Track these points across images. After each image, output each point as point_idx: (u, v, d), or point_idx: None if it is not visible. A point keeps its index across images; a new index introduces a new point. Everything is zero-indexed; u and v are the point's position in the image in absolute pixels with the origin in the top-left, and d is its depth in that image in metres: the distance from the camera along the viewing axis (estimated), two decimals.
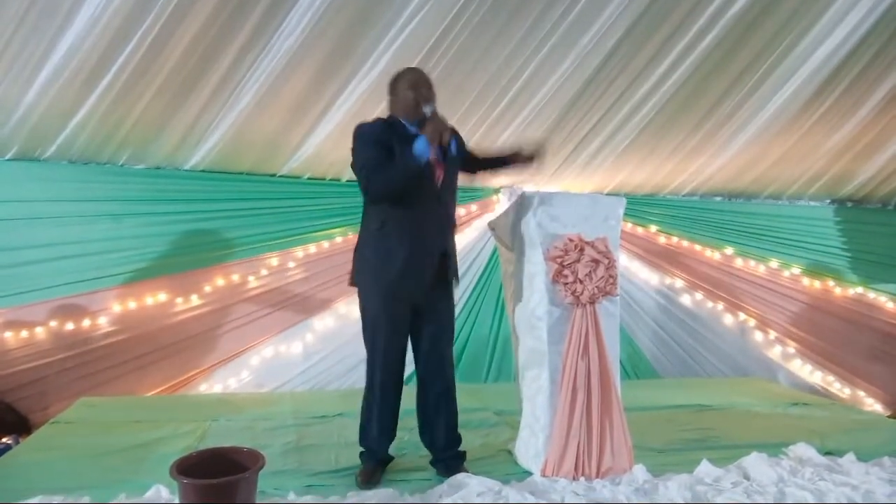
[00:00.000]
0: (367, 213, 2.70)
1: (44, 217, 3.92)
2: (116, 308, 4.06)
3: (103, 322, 4.05)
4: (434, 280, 2.64)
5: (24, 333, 3.91)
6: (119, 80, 3.48)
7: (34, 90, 3.48)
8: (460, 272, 4.68)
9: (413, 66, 2.94)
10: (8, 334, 3.88)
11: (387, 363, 2.67)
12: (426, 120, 2.52)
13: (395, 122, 2.65)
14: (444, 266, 2.67)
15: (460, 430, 2.81)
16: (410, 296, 2.63)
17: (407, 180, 2.49)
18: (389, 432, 2.75)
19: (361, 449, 2.76)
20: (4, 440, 3.68)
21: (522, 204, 2.80)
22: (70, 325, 3.98)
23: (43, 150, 3.89)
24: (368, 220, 2.68)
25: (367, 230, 2.69)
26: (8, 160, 3.88)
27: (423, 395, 2.76)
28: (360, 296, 2.73)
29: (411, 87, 2.62)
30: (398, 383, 2.73)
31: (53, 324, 3.95)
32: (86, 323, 4.01)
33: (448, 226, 2.75)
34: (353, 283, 2.75)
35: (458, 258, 4.63)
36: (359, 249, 2.72)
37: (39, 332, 3.93)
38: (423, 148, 2.45)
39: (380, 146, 2.53)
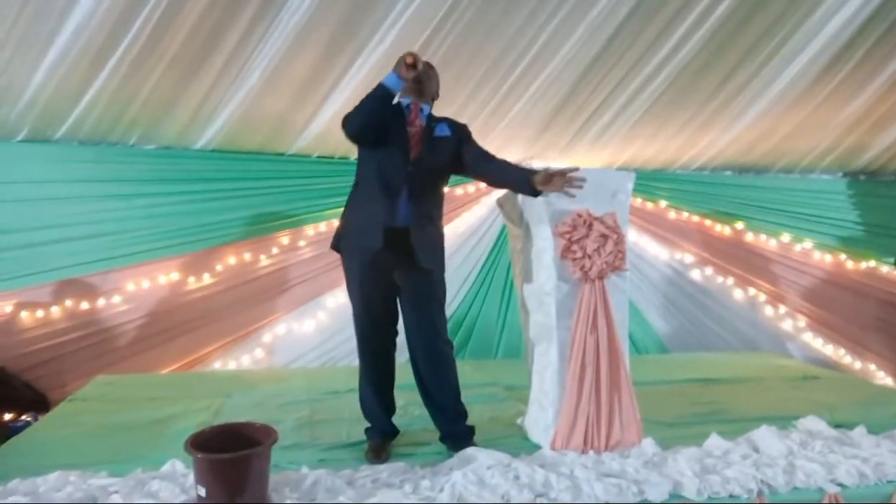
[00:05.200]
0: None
1: (56, 198, 3.96)
2: (130, 287, 4.12)
3: (117, 301, 4.11)
4: (404, 257, 2.57)
5: (40, 313, 3.98)
6: (127, 60, 3.48)
7: (42, 71, 3.49)
8: (469, 249, 4.77)
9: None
10: (24, 314, 3.95)
11: (365, 333, 2.68)
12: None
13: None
14: (407, 242, 2.55)
15: (469, 406, 2.82)
16: (379, 267, 2.58)
17: (370, 106, 2.45)
18: (387, 405, 2.79)
19: (367, 425, 2.80)
20: (24, 417, 3.76)
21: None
22: (85, 305, 4.04)
23: (53, 132, 3.91)
24: (353, 184, 2.71)
25: (350, 194, 2.72)
26: (19, 142, 3.91)
27: (415, 367, 2.74)
28: (342, 265, 2.74)
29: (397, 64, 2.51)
30: (383, 354, 2.72)
31: (69, 303, 4.01)
32: (100, 302, 4.08)
33: (416, 201, 2.58)
34: (333, 245, 2.74)
35: (467, 237, 4.73)
36: (342, 213, 2.74)
37: (55, 311, 4.00)
38: (391, 77, 2.41)
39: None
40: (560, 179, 2.40)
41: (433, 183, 2.70)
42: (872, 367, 5.16)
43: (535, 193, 2.52)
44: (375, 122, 2.51)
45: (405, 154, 2.58)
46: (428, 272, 2.64)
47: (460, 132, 2.74)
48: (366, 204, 2.62)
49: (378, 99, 2.45)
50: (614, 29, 3.77)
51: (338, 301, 4.48)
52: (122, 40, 3.38)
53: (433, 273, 2.68)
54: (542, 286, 2.79)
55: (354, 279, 2.67)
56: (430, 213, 2.67)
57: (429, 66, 2.65)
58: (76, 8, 3.20)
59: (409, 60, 2.38)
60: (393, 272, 2.63)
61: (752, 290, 5.13)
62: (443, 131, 2.68)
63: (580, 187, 2.41)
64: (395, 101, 2.51)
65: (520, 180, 2.57)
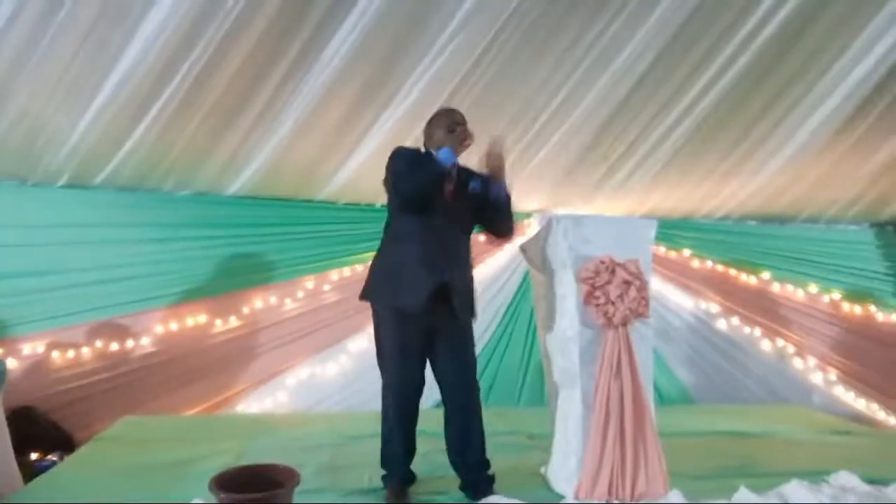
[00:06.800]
0: (385, 230, 2.78)
1: (92, 241, 4.10)
2: (159, 329, 4.20)
3: (146, 343, 4.18)
4: (439, 305, 2.61)
5: (71, 353, 4.06)
6: (167, 110, 3.64)
7: (86, 120, 3.65)
8: (491, 296, 4.78)
9: (449, 106, 2.98)
10: (55, 354, 4.03)
11: (395, 387, 2.69)
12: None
13: (429, 154, 2.72)
14: (446, 293, 2.62)
15: (491, 453, 2.80)
16: (416, 316, 2.62)
17: (431, 181, 2.58)
18: (409, 449, 2.78)
19: (383, 472, 2.78)
20: (49, 457, 3.80)
21: (554, 226, 2.83)
22: (115, 346, 4.12)
23: (93, 178, 4.07)
24: (385, 235, 2.78)
25: (381, 245, 2.78)
26: (60, 187, 4.07)
27: (446, 420, 2.75)
28: (372, 313, 2.79)
29: (447, 130, 2.68)
30: (409, 406, 2.72)
31: (99, 344, 4.09)
32: (129, 343, 4.15)
33: (453, 255, 2.69)
34: (363, 296, 2.78)
35: (489, 283, 4.75)
36: (372, 263, 2.80)
37: (85, 352, 4.08)
38: (446, 153, 2.57)
39: (422, 156, 2.69)
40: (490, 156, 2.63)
41: (465, 231, 2.79)
42: None
43: (485, 194, 2.69)
44: (429, 192, 2.61)
45: (445, 212, 2.66)
46: (463, 320, 2.72)
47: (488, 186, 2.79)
48: (407, 257, 2.65)
49: (434, 173, 2.57)
50: (637, 80, 3.85)
51: (360, 346, 4.50)
52: (164, 92, 3.54)
53: (467, 321, 2.76)
54: (566, 332, 2.80)
55: (391, 326, 2.69)
56: (465, 265, 2.76)
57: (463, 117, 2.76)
58: (122, 60, 3.37)
59: (495, 159, 2.60)
60: (429, 321, 2.65)
61: (780, 342, 5.04)
62: (475, 187, 2.74)
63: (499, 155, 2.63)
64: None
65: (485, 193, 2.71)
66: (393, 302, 2.67)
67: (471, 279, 2.81)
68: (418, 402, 2.76)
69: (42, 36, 3.22)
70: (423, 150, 2.78)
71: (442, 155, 2.57)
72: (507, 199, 2.75)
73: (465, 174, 2.77)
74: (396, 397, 2.71)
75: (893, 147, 4.50)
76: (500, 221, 2.86)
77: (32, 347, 3.98)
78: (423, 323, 2.65)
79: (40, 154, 3.85)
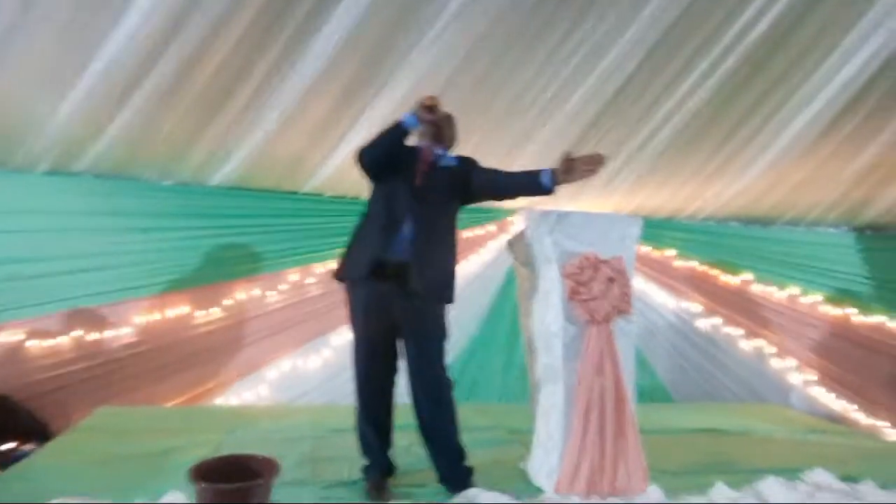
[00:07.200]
0: None
1: (72, 229, 4.04)
2: (139, 319, 4.15)
3: (126, 332, 4.13)
4: (399, 287, 2.55)
5: (48, 342, 4.00)
6: (151, 99, 3.59)
7: (68, 105, 3.59)
8: (475, 291, 4.79)
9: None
10: (33, 343, 3.96)
11: (363, 366, 2.67)
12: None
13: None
14: (404, 274, 2.54)
15: (471, 449, 2.78)
16: (377, 300, 2.58)
17: (386, 140, 2.55)
18: (385, 441, 2.76)
19: (364, 463, 2.78)
20: (25, 447, 3.74)
21: (539, 221, 2.83)
22: (94, 336, 4.07)
23: (74, 165, 4.00)
24: (358, 221, 2.74)
25: (354, 230, 2.75)
26: (40, 174, 4.00)
27: (414, 403, 2.68)
28: (346, 299, 2.74)
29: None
30: (378, 390, 2.69)
31: (77, 334, 4.04)
32: (109, 333, 4.10)
33: (418, 235, 2.57)
34: (336, 274, 2.75)
35: (473, 278, 4.75)
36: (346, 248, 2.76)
37: (63, 341, 4.02)
38: (409, 117, 2.54)
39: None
40: (581, 165, 2.46)
41: (439, 214, 2.68)
42: (882, 422, 5.06)
43: (547, 192, 2.55)
44: (389, 156, 2.58)
45: (410, 184, 2.61)
46: (429, 308, 2.62)
47: (467, 163, 2.78)
48: (366, 236, 2.65)
49: (394, 134, 2.54)
50: (624, 80, 3.87)
51: (343, 339, 4.48)
52: (149, 79, 3.49)
53: (434, 308, 2.65)
54: (549, 327, 2.81)
55: (355, 311, 2.68)
56: (436, 248, 2.64)
57: (448, 116, 2.73)
58: (105, 46, 3.32)
59: (428, 102, 2.47)
60: (394, 308, 2.59)
61: (759, 342, 5.10)
62: (448, 161, 2.73)
63: (601, 163, 2.48)
64: (413, 143, 2.58)
65: (529, 182, 2.60)
66: (347, 274, 2.65)
67: (447, 269, 2.69)
68: (388, 393, 2.72)
69: (24, 20, 3.16)
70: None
71: (404, 117, 2.55)
72: (547, 192, 2.58)
73: (442, 156, 2.73)
74: (362, 387, 2.69)
75: (873, 151, 4.56)
76: (507, 195, 2.80)
77: (10, 336, 3.92)
78: (390, 310, 2.59)
79: (20, 140, 3.78)
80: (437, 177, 2.67)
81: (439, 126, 2.70)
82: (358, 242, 2.70)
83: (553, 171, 2.53)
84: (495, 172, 2.75)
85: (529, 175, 2.61)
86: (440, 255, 2.67)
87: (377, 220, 2.63)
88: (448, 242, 2.72)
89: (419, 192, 2.61)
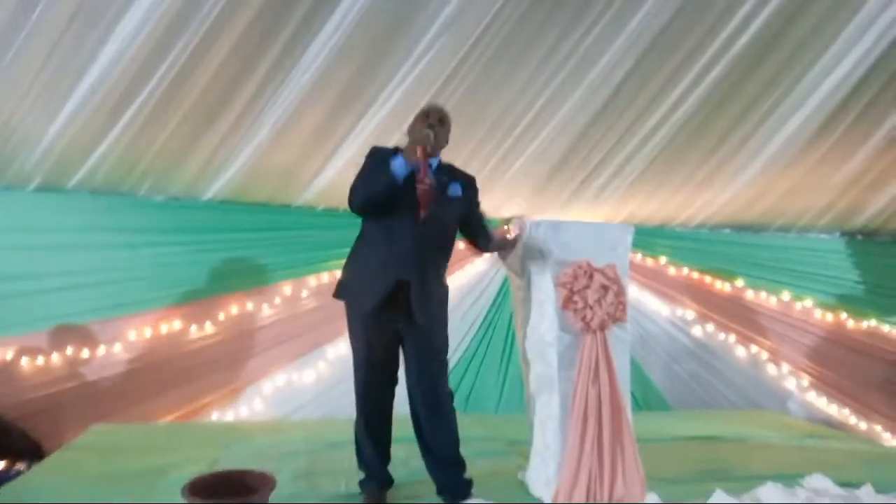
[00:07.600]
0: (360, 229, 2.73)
1: (64, 246, 4.01)
2: (132, 336, 4.11)
3: (118, 349, 4.10)
4: (401, 308, 2.55)
5: (40, 360, 3.96)
6: (142, 114, 3.60)
7: (59, 122, 3.60)
8: (471, 302, 4.78)
9: (435, 102, 2.89)
10: (25, 360, 3.93)
11: (365, 379, 2.66)
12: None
13: (387, 164, 2.60)
14: (406, 295, 2.54)
15: (470, 460, 2.77)
16: (380, 318, 2.57)
17: (379, 191, 2.48)
18: (383, 454, 2.75)
19: (361, 476, 2.76)
20: (17, 466, 3.71)
21: (532, 231, 2.84)
22: (86, 353, 4.03)
23: (66, 181, 3.99)
24: (358, 234, 2.72)
25: (354, 243, 2.72)
26: (32, 191, 3.99)
27: (414, 416, 2.69)
28: (346, 309, 2.72)
29: (421, 117, 2.62)
30: (380, 403, 2.69)
31: (70, 351, 4.01)
32: (101, 351, 4.07)
33: (419, 258, 2.56)
34: (336, 293, 2.73)
35: (468, 289, 4.75)
36: (346, 261, 2.74)
37: (55, 358, 3.99)
38: (399, 165, 2.46)
39: (381, 164, 2.52)
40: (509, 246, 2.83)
41: (442, 239, 2.68)
42: (879, 427, 5.08)
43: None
44: (381, 201, 2.52)
45: (414, 214, 2.53)
46: (429, 326, 2.62)
47: (471, 193, 2.76)
48: (372, 257, 2.60)
49: (385, 184, 2.47)
50: (613, 89, 3.91)
51: (338, 352, 4.47)
52: (139, 95, 3.51)
53: (434, 326, 2.66)
54: (544, 336, 2.81)
55: (357, 326, 2.66)
56: (435, 269, 2.66)
57: (441, 117, 2.63)
58: (96, 63, 3.34)
59: (421, 153, 2.43)
60: (396, 323, 2.61)
61: (754, 348, 5.11)
62: (455, 192, 2.67)
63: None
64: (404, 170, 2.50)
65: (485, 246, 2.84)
66: (356, 295, 2.63)
67: (443, 288, 2.70)
68: (388, 405, 2.72)
69: (15, 36, 3.17)
70: (400, 148, 2.68)
71: (394, 164, 2.47)
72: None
73: (447, 176, 2.67)
74: (361, 399, 2.69)
75: (861, 159, 4.61)
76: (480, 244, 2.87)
77: (1, 354, 3.88)
78: (389, 325, 2.59)
79: (11, 157, 3.78)
80: (441, 207, 2.58)
81: (434, 150, 2.62)
82: (363, 263, 2.64)
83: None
84: (480, 229, 2.84)
85: (487, 237, 2.83)
86: (438, 278, 2.68)
87: (380, 243, 2.58)
88: (444, 265, 2.73)
89: (424, 220, 2.54)
